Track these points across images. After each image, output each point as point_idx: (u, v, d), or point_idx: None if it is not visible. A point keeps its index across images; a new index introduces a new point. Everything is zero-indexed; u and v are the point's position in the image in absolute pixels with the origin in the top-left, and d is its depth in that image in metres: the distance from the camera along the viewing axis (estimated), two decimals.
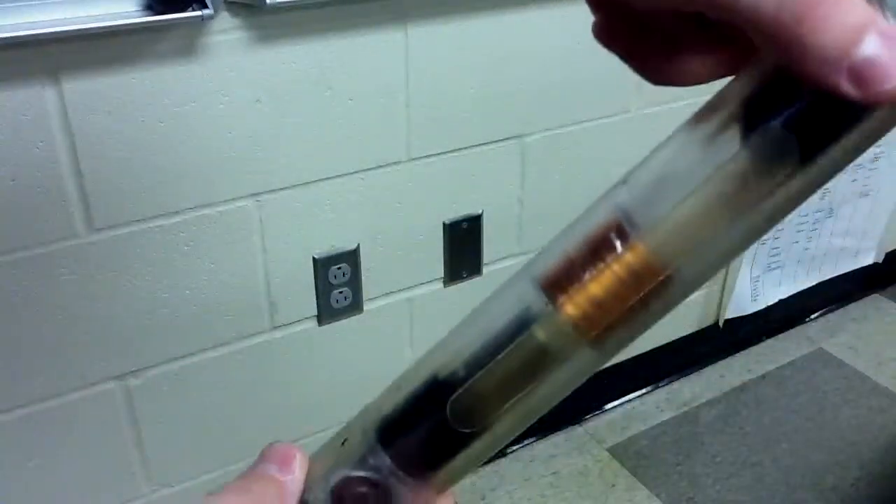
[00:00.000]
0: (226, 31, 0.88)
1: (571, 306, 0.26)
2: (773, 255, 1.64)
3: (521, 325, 0.26)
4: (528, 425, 0.28)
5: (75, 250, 0.90)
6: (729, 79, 0.26)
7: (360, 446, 0.29)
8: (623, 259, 0.25)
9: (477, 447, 0.27)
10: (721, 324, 1.65)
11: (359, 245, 1.10)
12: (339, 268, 1.09)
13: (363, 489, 0.28)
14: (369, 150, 1.05)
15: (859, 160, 1.55)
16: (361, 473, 0.28)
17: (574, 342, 0.26)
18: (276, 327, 1.08)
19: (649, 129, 1.28)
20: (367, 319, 1.15)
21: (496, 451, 0.28)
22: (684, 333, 1.62)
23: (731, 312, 1.64)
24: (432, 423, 0.27)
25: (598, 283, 0.25)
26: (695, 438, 1.53)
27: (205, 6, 0.83)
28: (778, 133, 0.24)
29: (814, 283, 1.74)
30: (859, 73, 0.21)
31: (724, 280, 1.61)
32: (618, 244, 0.25)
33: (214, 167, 0.95)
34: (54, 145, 0.84)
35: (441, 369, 0.27)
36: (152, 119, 0.88)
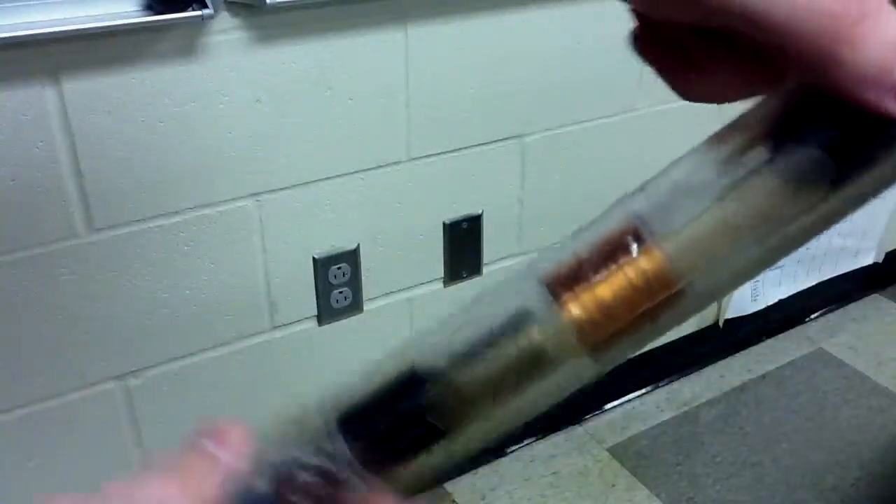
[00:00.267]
0: (226, 31, 0.88)
1: (576, 307, 0.24)
2: None
3: (519, 321, 0.25)
4: (508, 431, 0.26)
5: (75, 250, 0.90)
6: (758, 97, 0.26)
7: (317, 431, 0.26)
8: (637, 264, 0.24)
9: (448, 446, 0.25)
10: (721, 324, 1.65)
11: (359, 245, 1.10)
12: (339, 268, 1.09)
13: (311, 478, 0.25)
14: (369, 150, 1.05)
15: None
16: (313, 460, 0.25)
17: (573, 347, 0.24)
18: (276, 327, 1.08)
19: (649, 129, 1.28)
20: (367, 319, 1.15)
21: (467, 455, 0.27)
22: (684, 333, 1.62)
23: (731, 312, 1.64)
24: (405, 414, 0.25)
25: (607, 286, 0.24)
26: (695, 438, 1.53)
27: (205, 6, 0.83)
28: (813, 154, 0.24)
29: (814, 283, 1.74)
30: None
31: None
32: (634, 248, 0.24)
33: (214, 167, 0.95)
34: (54, 145, 0.84)
35: (423, 359, 0.26)
36: (152, 119, 0.88)
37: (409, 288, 1.18)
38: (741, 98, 0.27)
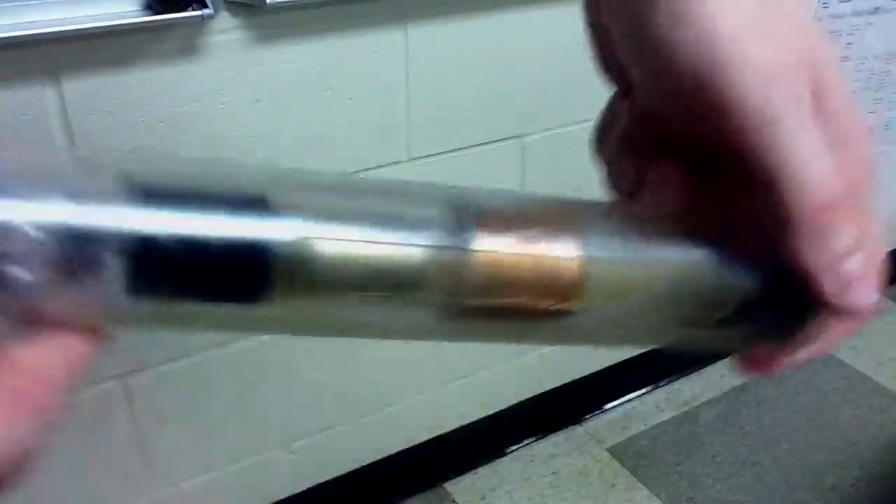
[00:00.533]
0: (226, 31, 0.88)
1: (484, 255, 0.22)
2: None
3: (420, 230, 0.22)
4: (322, 332, 0.23)
5: None
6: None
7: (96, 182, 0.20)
8: (561, 262, 0.23)
9: (249, 313, 0.21)
10: None
11: None
12: None
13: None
14: (369, 150, 1.05)
15: None
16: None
17: (452, 285, 0.22)
18: None
19: None
20: None
21: (256, 329, 0.23)
22: None
23: None
24: (231, 249, 0.20)
25: (520, 259, 0.23)
26: (695, 438, 1.53)
27: (205, 6, 0.83)
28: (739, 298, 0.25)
29: None
30: (847, 282, 0.24)
31: None
32: (569, 247, 0.24)
33: None
34: (54, 146, 0.84)
35: (295, 202, 0.21)
36: (152, 119, 0.88)
37: None
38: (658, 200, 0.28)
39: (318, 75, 0.96)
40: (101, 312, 0.20)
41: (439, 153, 1.10)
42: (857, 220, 0.24)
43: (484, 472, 1.44)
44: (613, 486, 1.43)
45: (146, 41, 0.85)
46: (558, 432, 1.52)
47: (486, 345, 0.26)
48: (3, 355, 0.19)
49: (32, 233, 0.18)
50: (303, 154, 1.00)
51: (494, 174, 1.17)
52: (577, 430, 1.53)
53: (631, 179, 0.28)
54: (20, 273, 0.18)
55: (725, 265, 0.25)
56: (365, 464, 1.29)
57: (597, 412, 1.57)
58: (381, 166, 1.06)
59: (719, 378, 1.68)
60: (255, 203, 0.21)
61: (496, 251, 0.23)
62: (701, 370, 1.69)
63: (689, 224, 0.26)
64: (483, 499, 1.39)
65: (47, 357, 0.20)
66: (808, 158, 0.23)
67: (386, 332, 0.24)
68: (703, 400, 1.62)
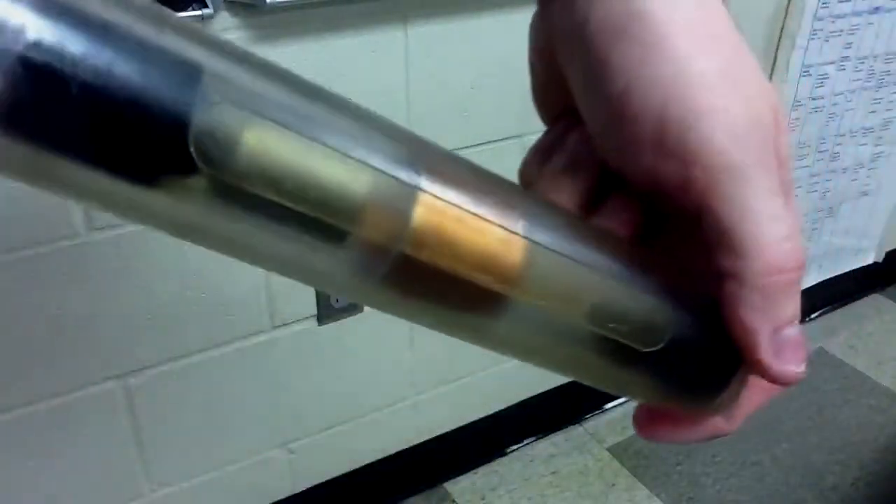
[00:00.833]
0: (226, 31, 0.88)
1: (428, 210, 0.20)
2: None
3: (367, 171, 0.20)
4: (216, 245, 0.20)
5: (75, 250, 0.90)
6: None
7: None
8: (505, 239, 0.22)
9: (173, 202, 0.18)
10: None
11: None
12: None
13: None
14: None
15: (860, 159, 1.53)
16: None
17: (387, 238, 0.20)
18: (276, 327, 1.08)
19: None
20: (367, 319, 1.15)
21: (180, 231, 0.20)
22: None
23: None
24: (154, 110, 0.17)
25: (466, 227, 0.21)
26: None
27: (205, 6, 0.83)
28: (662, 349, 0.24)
29: (813, 283, 1.74)
30: (784, 348, 0.24)
31: None
32: (519, 226, 0.22)
33: None
34: None
35: (231, 83, 0.18)
36: None
37: None
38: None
39: (317, 75, 0.96)
40: None
41: None
42: (800, 287, 0.24)
43: (484, 471, 1.44)
44: (613, 485, 1.43)
45: None
46: (558, 432, 1.52)
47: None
48: None
49: None
50: None
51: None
52: (577, 430, 1.53)
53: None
54: None
55: (663, 299, 0.24)
56: (365, 464, 1.29)
57: (597, 412, 1.57)
58: None
59: None
60: (188, 68, 0.18)
61: (446, 201, 0.21)
62: None
63: (632, 249, 0.26)
64: (483, 499, 1.39)
65: None
66: (768, 220, 0.22)
67: (290, 268, 0.21)
68: None
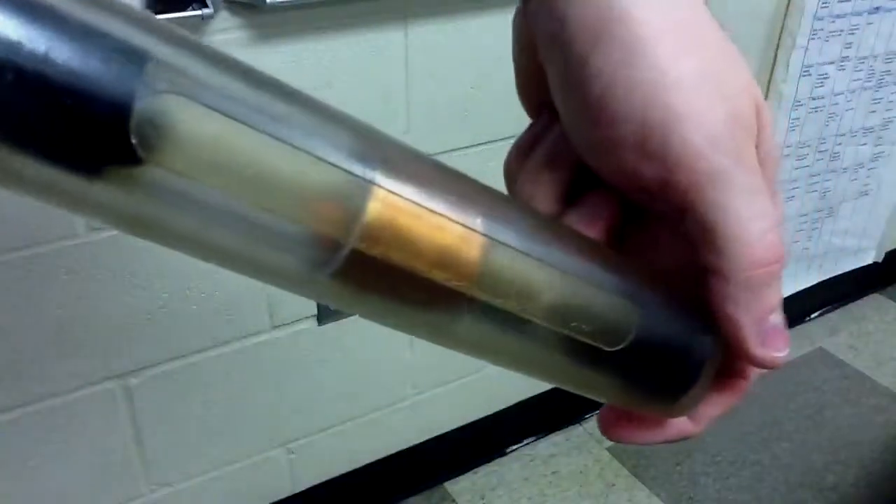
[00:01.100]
0: (226, 31, 0.88)
1: (382, 204, 0.20)
2: None
3: (317, 163, 0.19)
4: (161, 238, 0.20)
5: (75, 250, 0.90)
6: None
7: None
8: (463, 234, 0.21)
9: (124, 189, 0.17)
10: None
11: None
12: None
13: None
14: None
15: (860, 159, 1.53)
16: None
17: (338, 232, 0.19)
18: (276, 327, 1.08)
19: None
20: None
21: (129, 220, 0.19)
22: None
23: None
24: (95, 96, 0.16)
25: (423, 222, 0.20)
26: (697, 437, 1.53)
27: (205, 5, 0.83)
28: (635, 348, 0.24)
29: (813, 283, 1.74)
30: (769, 336, 0.25)
31: None
32: (478, 223, 0.22)
33: None
34: None
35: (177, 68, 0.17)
36: None
37: None
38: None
39: (317, 75, 0.96)
40: None
41: (439, 153, 1.10)
42: (781, 277, 0.24)
43: (484, 471, 1.44)
44: (613, 485, 1.43)
45: None
46: (558, 432, 1.52)
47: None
48: None
49: None
50: None
51: (495, 174, 1.17)
52: (577, 430, 1.53)
53: (546, 206, 0.27)
54: None
55: (626, 299, 0.24)
56: (365, 464, 1.29)
57: (597, 412, 1.57)
58: None
59: None
60: (132, 53, 0.17)
61: (402, 196, 0.20)
62: None
63: (596, 248, 0.25)
64: (483, 498, 1.39)
65: None
66: (749, 219, 0.23)
67: (240, 264, 0.20)
68: None
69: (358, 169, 0.19)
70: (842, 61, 1.43)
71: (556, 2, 0.23)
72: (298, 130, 0.19)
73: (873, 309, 1.91)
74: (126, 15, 0.17)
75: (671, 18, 0.23)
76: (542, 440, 1.51)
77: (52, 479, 0.99)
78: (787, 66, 1.36)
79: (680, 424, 0.27)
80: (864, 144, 1.59)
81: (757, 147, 0.24)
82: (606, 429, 0.28)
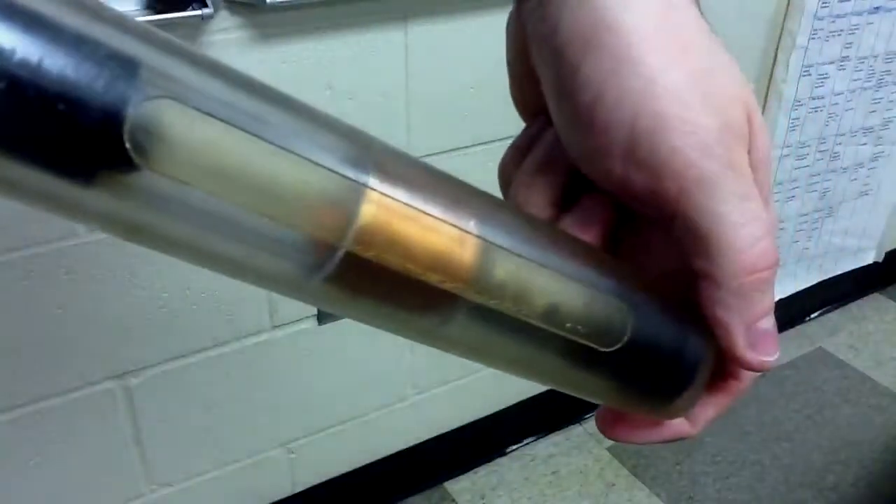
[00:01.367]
0: (226, 31, 0.88)
1: (376, 207, 0.20)
2: None
3: (314, 168, 0.19)
4: (159, 244, 0.20)
5: (75, 250, 0.90)
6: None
7: None
8: (458, 237, 0.21)
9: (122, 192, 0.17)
10: None
11: None
12: None
13: None
14: None
15: (860, 159, 1.53)
16: None
17: (331, 234, 0.19)
18: (276, 326, 1.08)
19: None
20: None
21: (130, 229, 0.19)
22: None
23: None
24: (90, 109, 0.16)
25: (417, 224, 0.20)
26: (695, 438, 1.53)
27: (205, 5, 0.83)
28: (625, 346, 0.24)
29: (813, 283, 1.74)
30: (759, 340, 0.25)
31: None
32: (471, 225, 0.22)
33: None
34: None
35: (173, 78, 0.18)
36: None
37: None
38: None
39: (317, 75, 0.96)
40: None
41: (439, 153, 1.10)
42: (773, 283, 0.24)
43: (484, 471, 1.44)
44: (613, 485, 1.43)
45: None
46: (558, 432, 1.52)
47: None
48: None
49: None
50: None
51: (495, 175, 1.17)
52: (577, 430, 1.53)
53: (541, 210, 0.27)
54: None
55: (620, 300, 0.24)
56: (365, 464, 1.29)
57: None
58: None
59: None
60: (123, 60, 0.17)
61: (395, 198, 0.20)
62: None
63: (590, 249, 0.25)
64: (483, 498, 1.39)
65: None
66: (740, 225, 0.23)
67: (235, 269, 0.20)
68: None
69: (351, 172, 0.20)
70: (842, 61, 1.43)
71: (549, 8, 0.24)
72: (291, 135, 0.19)
73: (873, 309, 1.91)
74: (118, 22, 0.18)
75: (662, 26, 0.23)
76: (542, 440, 1.51)
77: (52, 479, 0.99)
78: (787, 66, 1.36)
79: (677, 425, 0.28)
80: (864, 144, 1.59)
81: (749, 153, 0.24)
82: (604, 428, 0.28)
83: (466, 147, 1.12)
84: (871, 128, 1.57)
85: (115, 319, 0.96)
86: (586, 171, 0.25)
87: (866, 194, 1.69)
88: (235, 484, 1.16)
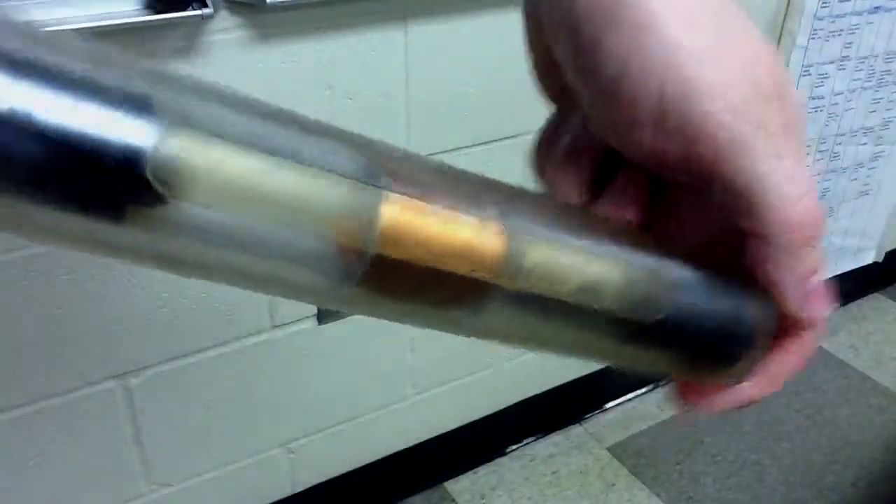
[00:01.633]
0: (226, 31, 0.88)
1: (396, 208, 0.20)
2: None
3: (326, 180, 0.19)
4: (212, 269, 0.20)
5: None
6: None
7: None
8: (481, 227, 0.21)
9: (149, 222, 0.18)
10: None
11: None
12: None
13: None
14: None
15: (860, 159, 1.53)
16: None
17: (355, 244, 0.20)
18: (276, 326, 1.08)
19: None
20: (368, 319, 1.15)
21: (164, 256, 0.19)
22: None
23: None
24: (109, 150, 0.17)
25: (439, 219, 0.20)
26: (695, 438, 1.53)
27: (205, 5, 0.83)
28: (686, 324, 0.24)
29: None
30: (811, 297, 0.26)
31: None
32: (493, 213, 0.21)
33: None
34: None
35: (185, 111, 0.19)
36: None
37: None
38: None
39: (317, 75, 0.96)
40: None
41: (439, 153, 1.10)
42: (820, 241, 0.25)
43: (484, 471, 1.44)
44: (613, 485, 1.43)
45: (146, 40, 0.85)
46: (558, 432, 1.52)
47: (464, 340, 0.24)
48: None
49: None
50: None
51: (495, 174, 1.16)
52: (577, 430, 1.53)
53: (576, 194, 0.27)
54: None
55: (657, 271, 0.24)
56: (365, 464, 1.29)
57: (597, 412, 1.57)
58: None
59: None
60: (136, 101, 0.18)
61: (412, 196, 0.20)
62: None
63: (626, 226, 0.25)
64: (483, 498, 1.39)
65: None
66: (779, 183, 0.23)
67: (269, 286, 0.21)
68: None
69: (366, 177, 0.20)
70: (842, 61, 1.43)
71: None
72: (304, 149, 0.20)
73: (873, 309, 1.91)
74: (124, 64, 0.18)
75: None
76: (542, 440, 1.51)
77: (52, 479, 0.99)
78: (788, 66, 1.36)
79: (749, 388, 0.27)
80: (864, 144, 1.59)
81: (779, 113, 0.24)
82: (678, 397, 0.28)
83: (466, 147, 1.12)
84: (871, 128, 1.57)
85: (115, 319, 0.96)
86: (617, 146, 0.25)
87: (866, 194, 1.69)
88: (235, 484, 1.16)
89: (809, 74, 1.40)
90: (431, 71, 1.04)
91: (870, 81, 1.50)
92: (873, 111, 1.55)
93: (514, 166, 1.21)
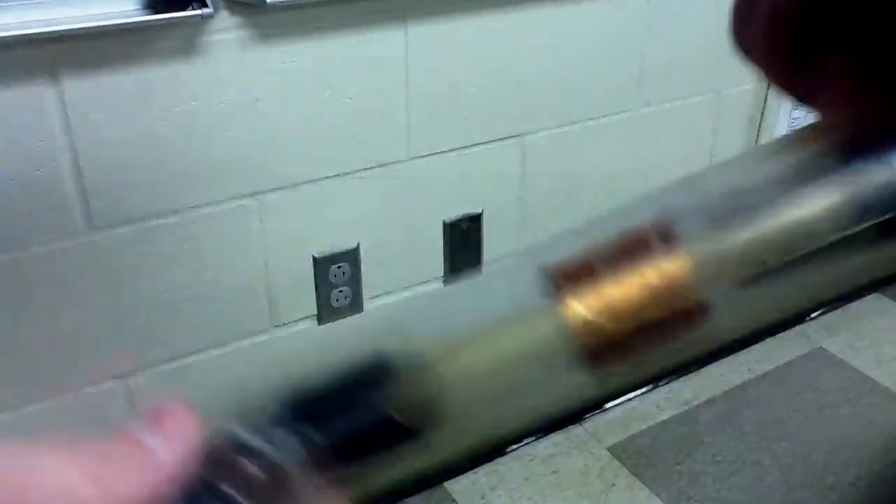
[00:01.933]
0: (225, 31, 0.88)
1: (579, 304, 0.20)
2: None
3: (512, 314, 0.21)
4: (490, 439, 0.23)
5: (75, 250, 0.90)
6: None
7: (267, 415, 0.23)
8: (659, 264, 0.20)
9: (418, 449, 0.22)
10: None
11: (359, 244, 1.10)
12: (339, 267, 1.09)
13: (251, 464, 0.21)
14: (369, 150, 1.05)
15: None
16: (257, 445, 0.22)
17: (569, 350, 0.21)
18: (276, 326, 1.08)
19: (649, 129, 1.27)
20: (364, 318, 1.15)
21: (437, 464, 0.23)
22: None
23: None
24: (367, 408, 0.21)
25: (617, 285, 0.21)
26: (695, 438, 1.53)
27: (205, 5, 0.83)
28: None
29: None
30: None
31: None
32: (659, 245, 0.21)
33: (214, 166, 0.94)
34: (54, 145, 0.84)
35: (397, 344, 0.22)
36: (152, 118, 0.88)
37: (409, 287, 1.18)
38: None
39: (317, 75, 0.96)
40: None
41: (439, 152, 1.10)
42: None
43: (484, 471, 1.44)
44: (613, 485, 1.43)
45: (146, 40, 0.85)
46: (558, 432, 1.52)
47: None
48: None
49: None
50: (302, 153, 1.00)
51: (494, 173, 1.17)
52: (577, 430, 1.53)
53: (781, 67, 0.23)
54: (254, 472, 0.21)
55: (867, 167, 0.21)
56: None
57: (597, 411, 1.57)
58: (381, 165, 1.06)
59: (719, 378, 1.68)
60: (381, 375, 0.22)
61: (581, 282, 0.21)
62: (701, 369, 1.69)
63: (799, 140, 0.22)
64: (483, 498, 1.39)
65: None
66: None
67: (548, 406, 0.23)
68: (703, 399, 1.62)
69: (543, 293, 0.21)
70: None
71: None
72: (494, 304, 0.22)
73: (873, 309, 1.91)
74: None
75: None
76: (542, 440, 1.50)
77: None
78: None
79: None
80: None
81: None
82: None
83: (466, 147, 1.12)
84: None
85: (116, 319, 0.96)
86: None
87: None
88: None
89: None
90: (431, 71, 1.04)
91: None
92: None
93: (513, 166, 1.21)
